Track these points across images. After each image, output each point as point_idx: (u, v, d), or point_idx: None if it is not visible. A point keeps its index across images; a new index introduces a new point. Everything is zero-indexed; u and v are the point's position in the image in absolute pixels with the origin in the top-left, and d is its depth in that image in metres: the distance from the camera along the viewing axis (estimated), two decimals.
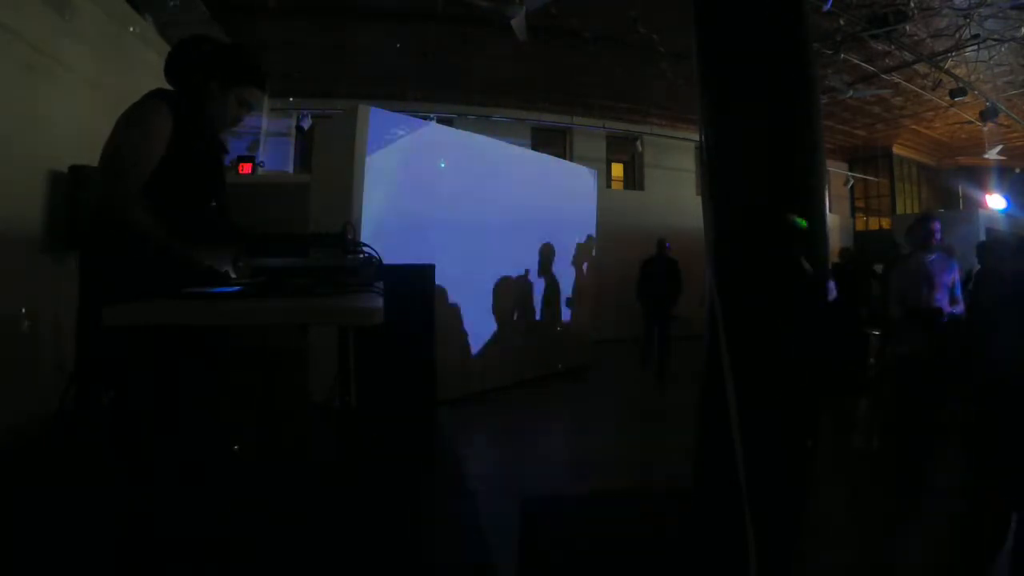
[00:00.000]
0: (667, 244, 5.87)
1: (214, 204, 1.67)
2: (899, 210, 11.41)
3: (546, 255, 5.74)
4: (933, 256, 3.15)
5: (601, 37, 6.32)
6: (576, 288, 6.21)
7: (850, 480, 3.10)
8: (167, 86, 1.62)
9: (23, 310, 3.22)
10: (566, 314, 6.06)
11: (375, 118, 4.12)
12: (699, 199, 1.49)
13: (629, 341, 7.41)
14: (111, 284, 1.38)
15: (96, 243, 1.50)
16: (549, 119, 9.08)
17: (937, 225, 3.23)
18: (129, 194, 1.42)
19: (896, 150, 11.37)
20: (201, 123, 1.60)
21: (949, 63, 6.69)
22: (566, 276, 6.07)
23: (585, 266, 6.39)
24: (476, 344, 4.95)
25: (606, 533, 1.62)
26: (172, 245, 1.43)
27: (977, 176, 11.33)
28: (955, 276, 3.15)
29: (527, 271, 5.52)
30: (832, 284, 3.59)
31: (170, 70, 1.61)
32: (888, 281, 3.35)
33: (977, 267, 4.80)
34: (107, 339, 1.33)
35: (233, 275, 1.47)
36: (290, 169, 8.02)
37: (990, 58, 6.54)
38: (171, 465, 1.45)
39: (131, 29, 4.43)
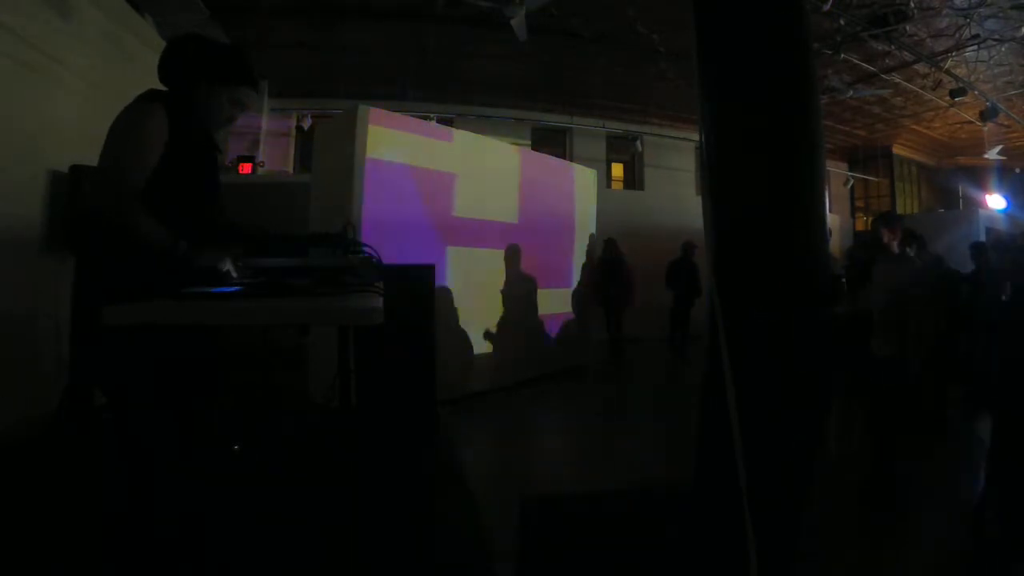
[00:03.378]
0: (692, 247, 7.26)
1: (211, 205, 1.65)
2: (899, 210, 11.39)
3: (546, 255, 5.74)
4: (897, 262, 2.97)
5: (601, 37, 6.32)
6: (576, 288, 6.22)
7: (847, 481, 3.10)
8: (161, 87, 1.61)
9: (23, 310, 3.21)
10: (566, 314, 6.06)
11: (375, 118, 4.12)
12: (699, 199, 1.49)
13: (627, 341, 7.42)
14: (109, 286, 1.37)
15: (94, 246, 1.49)
16: (549, 119, 9.08)
17: (881, 227, 2.98)
18: (130, 200, 1.41)
19: (896, 150, 11.36)
20: (195, 124, 1.59)
21: (949, 63, 6.69)
22: (565, 276, 6.08)
23: (584, 266, 6.39)
24: (476, 344, 4.95)
25: (606, 533, 1.62)
26: (176, 246, 1.42)
27: (977, 176, 11.33)
28: (925, 277, 2.92)
29: (527, 271, 5.52)
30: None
31: (163, 71, 1.60)
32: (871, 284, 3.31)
33: (973, 268, 4.78)
34: (105, 340, 1.32)
35: (235, 275, 1.46)
36: (290, 169, 8.02)
37: (990, 58, 6.54)
38: (171, 465, 1.45)
39: (131, 29, 4.42)
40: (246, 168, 7.07)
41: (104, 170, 1.45)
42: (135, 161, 1.44)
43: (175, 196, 1.50)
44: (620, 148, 9.90)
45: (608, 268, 6.49)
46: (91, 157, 1.58)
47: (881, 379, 2.95)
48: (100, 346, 1.39)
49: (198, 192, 1.61)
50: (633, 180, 10.13)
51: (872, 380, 3.04)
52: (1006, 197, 10.20)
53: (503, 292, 5.22)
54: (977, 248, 4.89)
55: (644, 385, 6.01)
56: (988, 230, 8.50)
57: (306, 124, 7.61)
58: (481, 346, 5.00)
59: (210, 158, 1.67)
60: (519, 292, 5.40)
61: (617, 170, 10.17)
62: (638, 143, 9.47)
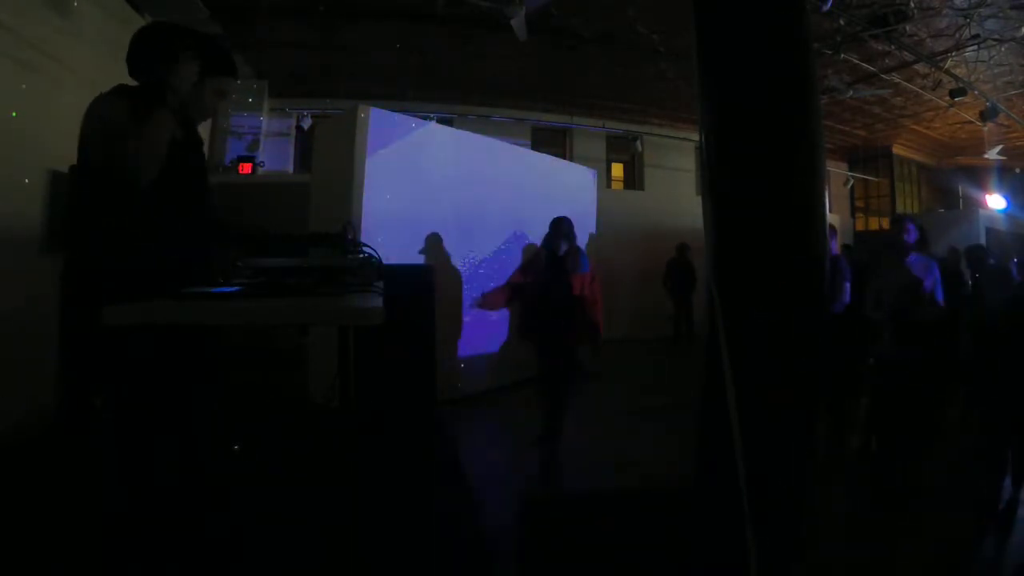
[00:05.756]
0: (686, 247, 7.99)
1: (200, 202, 1.63)
2: (899, 210, 11.40)
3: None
4: (910, 259, 3.06)
5: (601, 37, 6.31)
6: None
7: (847, 480, 3.10)
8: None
9: (23, 310, 3.21)
10: None
11: (375, 118, 4.12)
12: (699, 199, 1.49)
13: (627, 341, 7.44)
14: (99, 285, 1.35)
15: (83, 244, 1.47)
16: (549, 119, 9.08)
17: (910, 226, 3.12)
18: (128, 198, 1.40)
19: (896, 150, 11.36)
20: (176, 119, 1.55)
21: (949, 63, 6.69)
22: None
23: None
24: (476, 344, 4.94)
25: (606, 533, 1.62)
26: (148, 246, 1.40)
27: (977, 176, 11.33)
28: (935, 279, 3.01)
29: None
30: (847, 287, 3.55)
31: (138, 64, 1.53)
32: (869, 284, 3.33)
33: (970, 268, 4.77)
34: (97, 341, 1.31)
35: (220, 276, 1.46)
36: (290, 169, 8.01)
37: (990, 58, 6.54)
38: (171, 465, 1.45)
39: (131, 29, 4.42)
40: (246, 168, 7.06)
41: (92, 160, 1.44)
42: (135, 158, 1.42)
43: (162, 194, 1.47)
44: (620, 148, 9.90)
45: (548, 272, 3.40)
46: None
47: (894, 379, 2.95)
48: (99, 346, 1.39)
49: (186, 190, 1.57)
50: (633, 180, 10.13)
51: (884, 380, 3.04)
52: (1006, 197, 10.20)
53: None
54: (974, 252, 4.88)
55: (644, 385, 6.00)
56: (988, 230, 8.50)
57: (306, 124, 7.60)
58: (482, 346, 4.99)
59: (197, 155, 1.65)
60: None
61: (617, 170, 10.16)
62: (638, 143, 9.47)
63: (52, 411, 2.80)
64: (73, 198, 1.53)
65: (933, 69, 6.90)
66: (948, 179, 12.22)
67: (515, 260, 5.34)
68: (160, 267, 1.39)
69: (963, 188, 11.95)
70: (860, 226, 12.30)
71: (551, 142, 9.27)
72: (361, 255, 1.65)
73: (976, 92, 7.16)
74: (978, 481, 2.85)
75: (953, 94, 7.04)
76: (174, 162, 1.50)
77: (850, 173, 11.60)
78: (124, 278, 1.34)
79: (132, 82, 1.56)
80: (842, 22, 5.72)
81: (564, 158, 8.28)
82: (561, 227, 3.38)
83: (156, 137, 1.43)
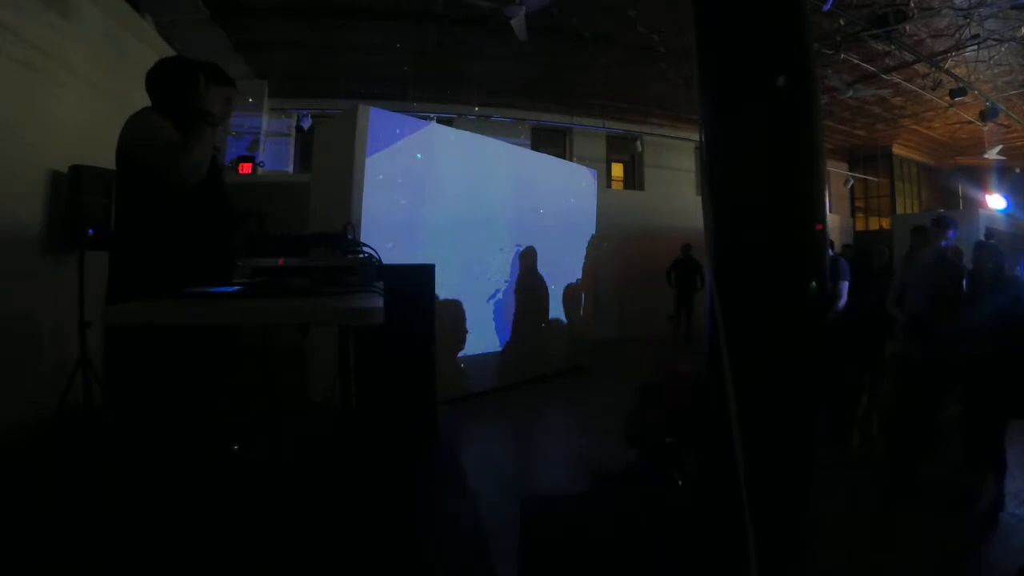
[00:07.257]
0: (690, 247, 7.89)
1: (223, 201, 1.82)
2: (899, 210, 11.41)
3: (545, 256, 5.74)
4: (940, 259, 3.05)
5: (601, 37, 6.32)
6: (576, 288, 6.22)
7: (849, 480, 3.10)
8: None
9: (23, 310, 3.21)
10: (565, 314, 6.06)
11: (375, 118, 4.12)
12: (699, 199, 1.49)
13: (628, 341, 7.44)
14: (144, 284, 1.42)
15: (127, 245, 1.60)
16: (549, 119, 9.08)
17: (952, 233, 3.10)
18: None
19: (896, 150, 11.36)
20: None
21: (949, 63, 6.69)
22: (566, 276, 6.08)
23: (584, 266, 6.39)
24: (476, 344, 4.94)
25: (606, 532, 1.62)
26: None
27: (977, 176, 11.33)
28: (962, 282, 3.00)
29: (527, 271, 5.52)
30: (845, 287, 3.54)
31: (166, 93, 1.69)
32: (892, 281, 3.32)
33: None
34: (107, 341, 1.34)
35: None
36: (290, 169, 8.02)
37: (990, 58, 6.54)
38: (172, 464, 1.45)
39: (130, 29, 4.42)
40: (246, 168, 7.06)
41: (153, 169, 1.54)
42: (183, 161, 1.55)
43: (188, 197, 1.61)
44: (620, 148, 9.90)
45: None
46: (91, 157, 1.60)
47: (910, 379, 2.94)
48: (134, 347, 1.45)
49: (209, 191, 1.72)
50: (633, 180, 10.13)
51: (900, 381, 3.03)
52: (1006, 197, 10.20)
53: (499, 290, 5.22)
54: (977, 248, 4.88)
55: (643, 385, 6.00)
56: (988, 230, 8.49)
57: (306, 124, 7.61)
58: (482, 346, 4.99)
59: (214, 162, 1.78)
60: (518, 291, 5.41)
61: (617, 170, 10.17)
62: (638, 143, 9.47)
63: (55, 410, 2.80)
64: (116, 201, 1.69)
65: (933, 69, 6.90)
66: (948, 179, 12.22)
67: (513, 259, 5.35)
68: (200, 265, 1.51)
69: (963, 188, 11.96)
70: (860, 226, 12.31)
71: (551, 142, 9.28)
72: (361, 255, 1.66)
73: (976, 92, 7.16)
74: (978, 481, 2.85)
75: (953, 94, 7.04)
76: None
77: (850, 173, 11.60)
78: (168, 276, 1.41)
79: (138, 86, 1.71)
80: (842, 22, 5.73)
81: (564, 158, 8.28)
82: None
83: (204, 148, 1.60)
